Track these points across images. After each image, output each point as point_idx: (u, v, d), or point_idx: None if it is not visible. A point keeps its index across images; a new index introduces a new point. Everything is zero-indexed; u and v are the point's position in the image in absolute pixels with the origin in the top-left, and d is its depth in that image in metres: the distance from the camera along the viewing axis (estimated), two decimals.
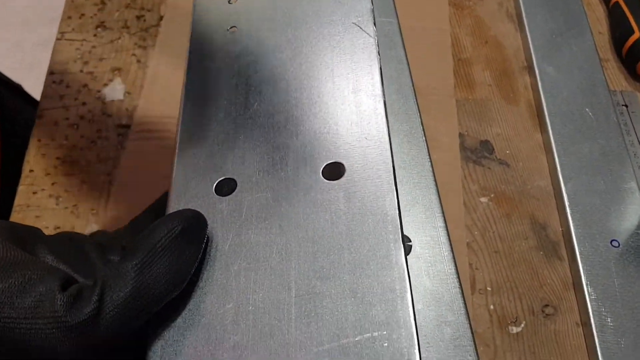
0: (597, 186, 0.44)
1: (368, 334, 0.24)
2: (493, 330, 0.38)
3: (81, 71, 0.49)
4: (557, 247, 0.42)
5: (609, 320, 0.38)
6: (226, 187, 0.28)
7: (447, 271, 0.34)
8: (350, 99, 0.31)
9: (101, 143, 0.45)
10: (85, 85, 0.48)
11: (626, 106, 0.50)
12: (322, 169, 0.28)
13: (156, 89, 0.48)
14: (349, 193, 0.27)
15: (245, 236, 0.27)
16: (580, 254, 0.41)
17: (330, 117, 0.30)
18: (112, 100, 0.47)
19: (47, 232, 0.41)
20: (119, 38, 0.51)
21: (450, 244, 0.35)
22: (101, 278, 0.22)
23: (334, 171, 0.28)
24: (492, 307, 0.39)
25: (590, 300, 0.39)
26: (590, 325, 0.38)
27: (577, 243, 0.41)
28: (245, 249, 0.26)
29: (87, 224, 0.41)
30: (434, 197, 0.36)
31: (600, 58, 0.51)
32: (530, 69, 0.51)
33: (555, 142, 0.46)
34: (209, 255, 0.26)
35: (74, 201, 0.42)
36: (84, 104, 0.47)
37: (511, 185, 0.45)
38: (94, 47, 0.50)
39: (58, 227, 0.41)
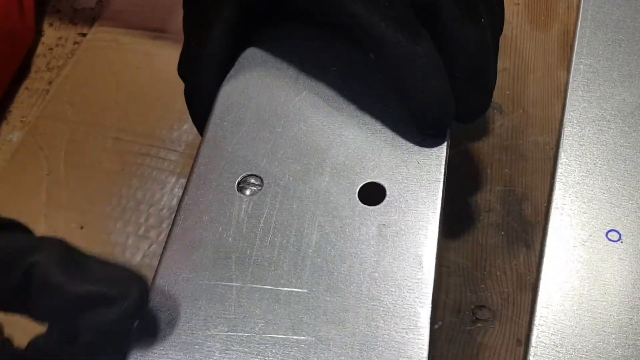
0: None
1: None
2: None
3: None
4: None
5: None
6: (250, 186, 0.26)
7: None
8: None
9: (57, 51, 0.43)
10: None
11: None
12: (359, 188, 0.25)
13: None
14: (384, 224, 0.24)
15: (257, 249, 0.24)
16: None
17: (379, 129, 0.26)
18: (83, 8, 0.45)
19: None
20: None
21: None
22: None
23: (373, 193, 0.25)
24: None
25: None
26: None
27: None
28: (252, 264, 0.23)
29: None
30: None
31: None
32: None
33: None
34: (218, 261, 0.24)
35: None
36: (58, 11, 0.45)
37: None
38: None
39: None
